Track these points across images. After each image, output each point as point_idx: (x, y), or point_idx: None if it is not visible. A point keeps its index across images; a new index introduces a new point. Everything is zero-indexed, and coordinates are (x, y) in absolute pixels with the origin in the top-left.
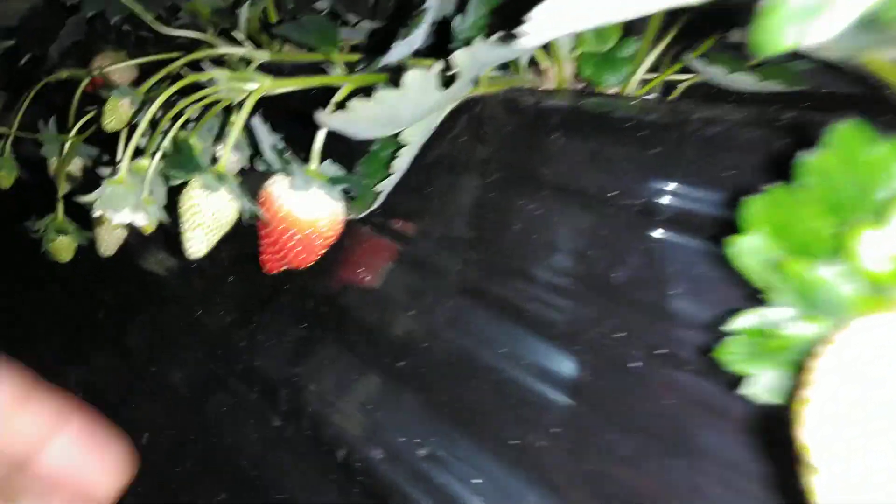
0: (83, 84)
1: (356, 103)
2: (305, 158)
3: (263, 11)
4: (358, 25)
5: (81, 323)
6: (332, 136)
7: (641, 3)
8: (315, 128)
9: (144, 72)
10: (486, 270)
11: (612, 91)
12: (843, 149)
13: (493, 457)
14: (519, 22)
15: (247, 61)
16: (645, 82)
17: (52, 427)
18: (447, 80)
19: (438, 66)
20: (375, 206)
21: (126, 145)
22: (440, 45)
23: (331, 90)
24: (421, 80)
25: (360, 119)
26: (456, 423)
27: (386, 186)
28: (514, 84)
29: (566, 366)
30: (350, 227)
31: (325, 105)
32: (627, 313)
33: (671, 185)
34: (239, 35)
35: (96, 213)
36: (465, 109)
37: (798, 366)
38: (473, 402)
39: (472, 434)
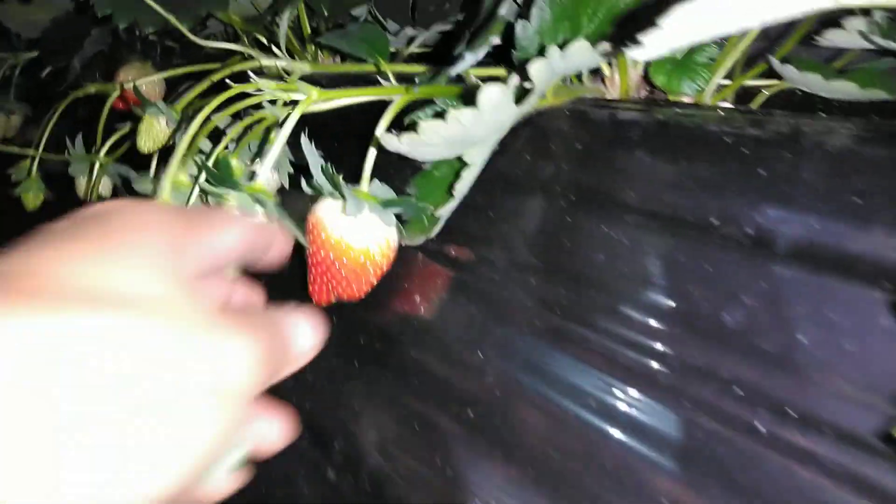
0: (111, 99)
1: (430, 125)
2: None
3: (296, 20)
4: (399, 33)
5: None
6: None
7: (790, 4)
8: (354, 144)
9: (171, 84)
10: (565, 307)
11: (685, 100)
12: None
13: None
14: (628, 31)
15: (286, 72)
16: (719, 89)
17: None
18: (521, 95)
19: (514, 80)
20: (434, 232)
21: (160, 163)
22: (495, 51)
23: (369, 104)
24: (499, 98)
25: (432, 142)
26: (542, 486)
27: (447, 211)
28: (578, 94)
29: (672, 425)
30: (404, 254)
31: (362, 118)
32: (746, 365)
33: (788, 212)
34: (277, 46)
35: None
36: (527, 123)
37: None
38: (561, 462)
39: (563, 501)
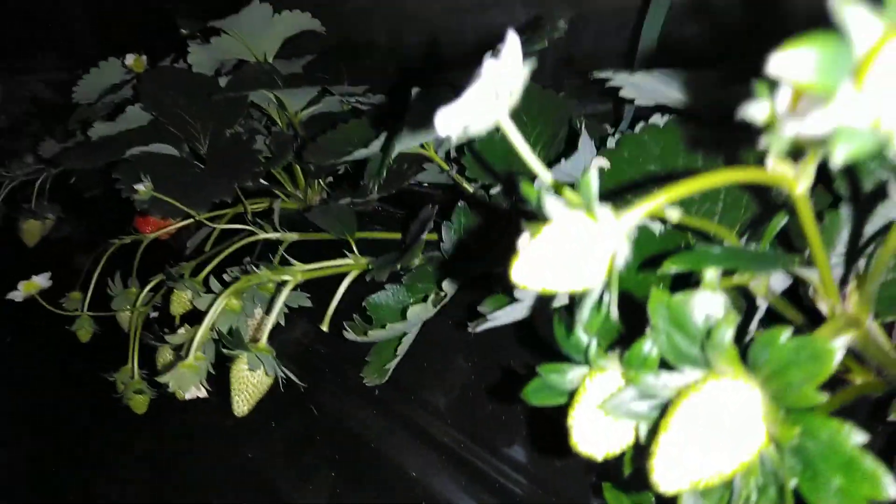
0: (141, 248)
1: (374, 334)
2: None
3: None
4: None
5: (148, 456)
6: None
7: None
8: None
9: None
10: (462, 440)
11: None
12: None
13: None
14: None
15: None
16: None
17: None
18: (438, 300)
19: (432, 297)
20: (385, 378)
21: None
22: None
23: None
24: (422, 313)
25: (379, 337)
26: None
27: (392, 365)
28: None
29: None
30: (369, 393)
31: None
32: None
33: None
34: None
35: (171, 390)
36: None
37: None
38: None
39: None
